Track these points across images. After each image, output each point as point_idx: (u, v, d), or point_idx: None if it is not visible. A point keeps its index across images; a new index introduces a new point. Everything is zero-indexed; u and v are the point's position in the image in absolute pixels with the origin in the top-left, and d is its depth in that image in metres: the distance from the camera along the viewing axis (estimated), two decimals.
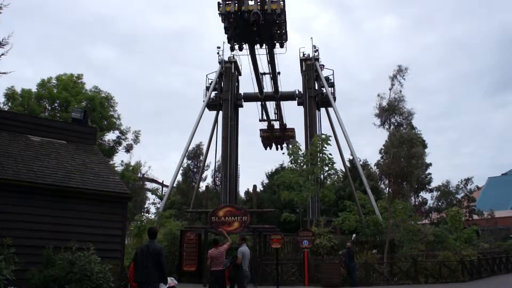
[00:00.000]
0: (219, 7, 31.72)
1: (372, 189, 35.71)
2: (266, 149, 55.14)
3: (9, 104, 28.57)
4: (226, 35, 34.06)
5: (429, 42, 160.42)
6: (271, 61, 38.84)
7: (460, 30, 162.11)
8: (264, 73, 43.43)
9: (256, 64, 39.32)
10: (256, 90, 44.00)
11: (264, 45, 35.76)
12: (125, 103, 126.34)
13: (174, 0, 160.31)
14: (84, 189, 13.51)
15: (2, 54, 12.73)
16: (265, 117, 49.98)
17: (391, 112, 26.27)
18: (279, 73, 44.10)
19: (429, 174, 49.69)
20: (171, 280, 15.43)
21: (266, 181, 62.38)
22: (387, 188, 27.94)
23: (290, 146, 30.54)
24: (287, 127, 51.61)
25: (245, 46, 36.14)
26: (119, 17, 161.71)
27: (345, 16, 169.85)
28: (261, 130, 53.50)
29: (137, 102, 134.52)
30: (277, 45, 36.35)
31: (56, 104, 29.51)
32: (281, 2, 32.43)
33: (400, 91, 26.39)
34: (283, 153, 31.12)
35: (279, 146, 54.48)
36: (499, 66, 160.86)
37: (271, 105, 49.07)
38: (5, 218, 11.94)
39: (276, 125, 52.23)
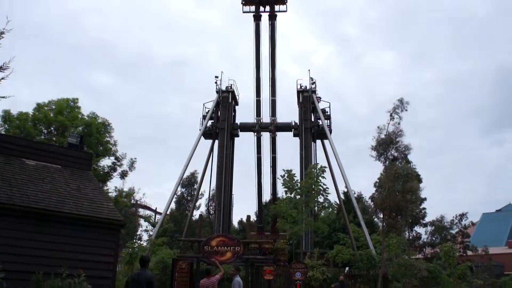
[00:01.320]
0: None
1: (366, 222, 35.60)
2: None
3: (6, 126, 28.58)
4: None
5: (427, 78, 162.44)
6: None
7: (458, 67, 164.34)
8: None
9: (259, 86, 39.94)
10: (253, 119, 44.26)
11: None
12: (122, 129, 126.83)
13: (175, 30, 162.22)
14: (77, 215, 13.43)
15: (2, 78, 12.83)
16: (260, 151, 48.92)
17: (389, 145, 26.37)
18: (275, 103, 44.52)
19: (424, 208, 49.56)
20: None
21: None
22: (382, 222, 27.86)
23: (285, 176, 30.40)
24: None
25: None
26: (119, 43, 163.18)
27: (344, 51, 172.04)
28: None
29: (134, 128, 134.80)
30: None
31: (52, 128, 29.55)
32: None
33: (399, 123, 26.53)
34: (281, 184, 30.98)
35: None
36: (496, 104, 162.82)
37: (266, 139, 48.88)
38: None
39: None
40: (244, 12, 42.40)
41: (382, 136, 26.60)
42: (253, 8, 41.81)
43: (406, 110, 26.44)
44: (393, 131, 26.42)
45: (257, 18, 42.20)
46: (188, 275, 24.51)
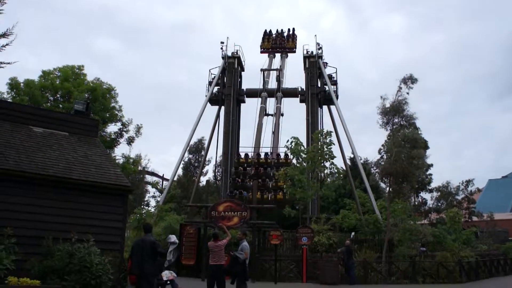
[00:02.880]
0: None
1: (372, 188, 35.74)
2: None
3: (13, 93, 28.58)
4: None
5: (436, 42, 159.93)
6: None
7: (468, 31, 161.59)
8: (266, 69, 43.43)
9: None
10: (259, 85, 44.11)
11: None
12: (127, 95, 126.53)
13: None
14: (85, 181, 13.55)
15: (7, 44, 12.78)
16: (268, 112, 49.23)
17: (394, 114, 26.46)
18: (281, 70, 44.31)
19: (430, 174, 49.67)
20: (170, 274, 15.52)
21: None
22: (387, 188, 27.99)
23: (292, 143, 30.40)
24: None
25: None
26: (123, 8, 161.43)
27: (353, 14, 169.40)
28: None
29: (139, 95, 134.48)
30: None
31: (58, 95, 29.53)
32: None
33: (407, 93, 26.65)
34: (285, 152, 31.04)
35: None
36: (506, 69, 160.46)
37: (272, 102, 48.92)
38: (6, 208, 11.98)
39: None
40: None
41: (387, 105, 26.72)
42: None
43: (412, 88, 26.60)
44: (399, 100, 26.55)
45: None
46: (196, 240, 24.88)
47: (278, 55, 48.97)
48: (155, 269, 10.43)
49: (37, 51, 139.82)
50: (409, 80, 26.62)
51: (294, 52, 48.70)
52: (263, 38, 49.18)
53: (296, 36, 49.25)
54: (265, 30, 49.79)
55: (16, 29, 12.82)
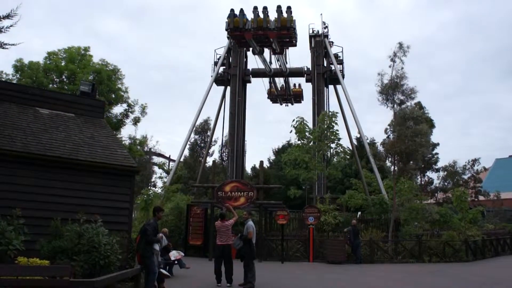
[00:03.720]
0: None
1: (378, 167, 35.74)
2: (273, 103, 53.61)
3: (18, 76, 28.60)
4: None
5: (445, 20, 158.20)
6: None
7: (476, 8, 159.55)
8: (275, 52, 43.23)
9: None
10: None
11: None
12: (133, 76, 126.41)
13: None
14: (92, 162, 13.58)
15: (11, 26, 12.72)
16: (273, 88, 49.42)
17: (394, 89, 26.27)
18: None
19: (436, 154, 49.61)
20: (177, 253, 15.68)
21: (273, 157, 62.51)
22: (393, 167, 27.98)
23: (297, 122, 30.37)
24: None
25: None
26: None
27: None
28: (269, 90, 52.35)
29: (145, 75, 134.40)
30: None
31: (63, 77, 29.52)
32: None
33: (402, 68, 26.37)
34: (290, 131, 31.27)
35: (286, 104, 53.49)
36: None
37: (279, 82, 48.84)
38: (14, 189, 12.04)
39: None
40: None
41: (385, 81, 26.51)
42: None
43: (405, 56, 26.29)
44: (396, 75, 26.31)
45: None
46: (203, 220, 25.05)
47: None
48: (148, 252, 10.70)
49: (42, 32, 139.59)
50: (400, 51, 26.30)
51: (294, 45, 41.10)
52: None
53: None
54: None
55: (21, 10, 12.75)
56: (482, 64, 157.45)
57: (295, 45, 40.31)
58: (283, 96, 50.61)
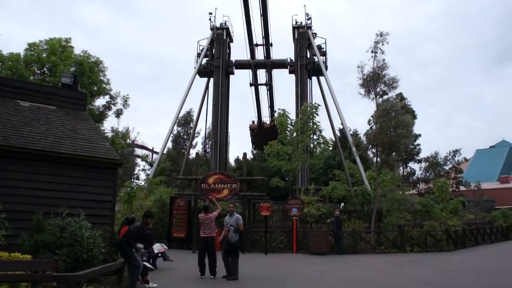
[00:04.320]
0: None
1: (361, 158, 35.99)
2: (255, 149, 55.00)
3: None
4: None
5: (429, 12, 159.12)
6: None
7: (463, 0, 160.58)
8: (257, 44, 43.31)
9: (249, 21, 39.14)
10: (249, 56, 43.87)
11: None
12: (116, 67, 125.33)
13: None
14: (75, 155, 13.50)
15: None
16: (256, 81, 49.26)
17: (375, 81, 26.29)
18: (271, 44, 44.10)
19: (418, 145, 50.02)
20: (161, 246, 15.65)
21: (256, 149, 62.61)
22: (375, 158, 28.19)
23: (279, 114, 30.43)
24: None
25: None
26: None
27: None
28: (251, 127, 52.60)
29: (128, 66, 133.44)
30: None
31: (45, 69, 29.19)
32: None
33: (384, 60, 26.41)
34: (272, 123, 31.30)
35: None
36: (500, 39, 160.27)
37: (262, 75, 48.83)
38: None
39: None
40: None
41: (366, 73, 26.48)
42: None
43: (387, 42, 26.25)
44: (378, 66, 26.32)
45: None
46: (186, 212, 25.01)
47: None
48: (128, 249, 10.82)
49: (22, 21, 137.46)
50: (381, 39, 26.21)
51: None
52: None
53: None
54: None
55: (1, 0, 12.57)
56: (467, 55, 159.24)
57: None
58: (265, 132, 50.83)
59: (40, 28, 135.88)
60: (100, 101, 30.73)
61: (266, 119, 52.29)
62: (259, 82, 48.92)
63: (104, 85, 30.49)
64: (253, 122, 54.94)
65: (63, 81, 17.88)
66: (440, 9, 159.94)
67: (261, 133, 46.47)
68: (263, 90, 49.90)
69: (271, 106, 47.04)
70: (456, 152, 50.83)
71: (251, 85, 50.85)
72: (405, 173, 49.53)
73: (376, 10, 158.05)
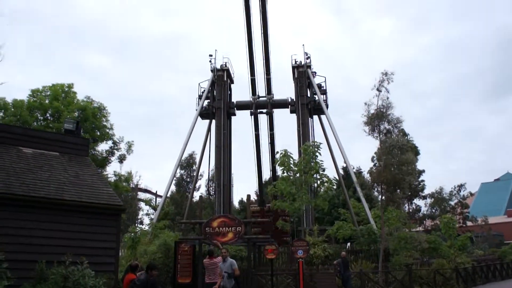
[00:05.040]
0: None
1: (365, 197, 35.73)
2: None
3: (1, 114, 28.43)
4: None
5: (425, 44, 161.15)
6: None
7: (457, 31, 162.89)
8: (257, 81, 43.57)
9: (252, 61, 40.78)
10: (249, 97, 44.24)
11: None
12: (118, 110, 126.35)
13: (166, 6, 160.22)
14: (78, 202, 13.40)
15: None
16: (257, 128, 48.92)
17: (380, 119, 26.35)
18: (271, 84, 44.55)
19: (422, 181, 49.85)
20: None
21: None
22: (380, 196, 27.97)
23: (280, 155, 30.37)
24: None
25: None
26: (113, 23, 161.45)
27: (342, 18, 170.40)
28: (253, 212, 51.15)
29: (130, 109, 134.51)
30: None
31: (48, 115, 29.39)
32: None
33: (388, 98, 26.53)
34: (275, 164, 31.13)
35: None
36: (497, 68, 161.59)
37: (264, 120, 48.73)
38: None
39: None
40: None
41: (372, 111, 26.60)
42: None
43: (392, 81, 26.40)
44: (382, 105, 26.43)
45: None
46: (191, 257, 24.61)
47: None
48: None
49: (25, 68, 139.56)
50: (385, 78, 26.34)
51: None
52: None
53: None
54: None
55: (5, 49, 12.77)
56: (463, 86, 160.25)
57: None
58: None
59: (42, 74, 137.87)
60: (103, 146, 30.83)
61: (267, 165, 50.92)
62: (260, 126, 48.63)
63: (107, 130, 30.63)
64: (252, 200, 52.83)
65: (66, 127, 17.96)
66: (434, 40, 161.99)
67: (263, 216, 44.55)
68: (264, 134, 49.42)
69: (272, 154, 46.52)
70: (461, 186, 50.60)
71: (254, 135, 50.10)
72: (410, 210, 49.17)
73: (371, 43, 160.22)
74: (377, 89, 26.61)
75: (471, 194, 61.38)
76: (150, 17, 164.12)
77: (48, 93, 30.02)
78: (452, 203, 50.03)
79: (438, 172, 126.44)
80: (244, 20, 41.25)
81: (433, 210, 48.70)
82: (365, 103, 26.80)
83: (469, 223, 50.06)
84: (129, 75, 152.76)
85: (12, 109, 28.27)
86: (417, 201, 50.60)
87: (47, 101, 29.37)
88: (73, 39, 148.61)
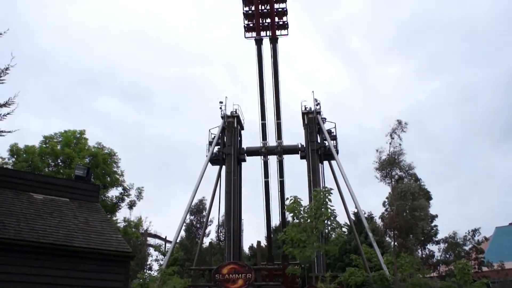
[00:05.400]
0: None
1: (377, 242, 35.22)
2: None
3: (13, 160, 28.74)
4: None
5: (435, 88, 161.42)
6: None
7: (468, 76, 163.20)
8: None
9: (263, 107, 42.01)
10: (260, 143, 44.44)
11: None
12: (128, 154, 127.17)
13: (179, 53, 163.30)
14: (86, 248, 13.35)
15: (8, 114, 12.93)
16: (267, 175, 48.62)
17: (392, 165, 26.33)
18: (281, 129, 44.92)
19: (435, 226, 49.06)
20: None
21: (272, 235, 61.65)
22: (392, 242, 27.56)
23: (290, 201, 30.20)
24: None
25: None
26: (124, 68, 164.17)
27: (351, 64, 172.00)
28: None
29: (141, 154, 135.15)
30: None
31: (59, 161, 29.67)
32: None
33: (400, 144, 26.54)
34: (284, 211, 31.00)
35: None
36: (505, 111, 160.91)
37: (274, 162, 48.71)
38: (6, 278, 11.75)
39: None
40: (246, 37, 43.48)
41: (383, 157, 26.61)
42: (254, 34, 42.52)
43: (404, 131, 26.57)
44: (394, 151, 26.46)
45: (258, 42, 42.77)
46: None
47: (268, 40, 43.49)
48: None
49: (39, 113, 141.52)
50: (398, 127, 26.48)
51: (287, 34, 43.26)
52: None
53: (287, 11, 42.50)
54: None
55: (18, 98, 13.04)
56: (475, 129, 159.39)
57: None
58: None
59: (56, 118, 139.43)
60: (113, 192, 30.94)
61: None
62: (270, 171, 48.47)
63: (118, 176, 30.81)
64: (262, 246, 51.88)
65: (77, 173, 18.10)
66: (444, 85, 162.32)
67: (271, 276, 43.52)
68: (274, 180, 49.15)
69: (282, 201, 46.11)
70: (475, 231, 49.62)
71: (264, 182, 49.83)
72: (423, 256, 48.25)
73: (382, 87, 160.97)
74: (390, 136, 26.73)
75: (486, 239, 60.15)
76: (162, 62, 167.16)
77: (60, 139, 30.41)
78: (467, 248, 49.03)
79: (451, 216, 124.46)
80: (257, 69, 43.30)
81: (447, 255, 47.72)
82: (377, 150, 26.86)
83: (484, 269, 48.83)
84: (140, 120, 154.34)
85: (24, 155, 28.60)
86: (431, 246, 49.65)
87: (58, 147, 29.73)
88: (86, 85, 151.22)
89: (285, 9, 42.36)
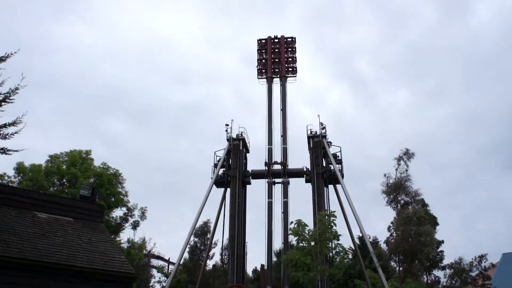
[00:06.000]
0: None
1: (382, 267, 34.87)
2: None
3: (19, 178, 28.83)
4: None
5: (442, 115, 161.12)
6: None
7: (474, 103, 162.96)
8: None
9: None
10: (264, 165, 44.48)
11: None
12: (134, 177, 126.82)
13: (187, 76, 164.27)
14: (89, 269, 13.29)
15: (16, 133, 13.06)
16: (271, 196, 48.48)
17: (398, 190, 26.38)
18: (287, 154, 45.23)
19: (441, 251, 48.54)
20: None
21: (274, 258, 61.13)
22: (398, 267, 27.30)
23: (294, 225, 30.03)
24: None
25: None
26: (133, 90, 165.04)
27: (358, 90, 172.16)
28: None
29: (146, 176, 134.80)
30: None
31: (64, 180, 29.73)
32: None
33: (406, 170, 26.66)
34: (288, 234, 30.85)
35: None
36: None
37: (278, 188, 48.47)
38: None
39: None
40: (258, 78, 48.84)
41: (391, 181, 26.72)
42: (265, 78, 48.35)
43: (410, 161, 26.86)
44: (401, 177, 26.61)
45: (269, 80, 48.03)
46: None
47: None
48: None
49: (46, 133, 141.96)
50: (405, 156, 26.71)
51: (295, 79, 48.93)
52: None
53: (295, 50, 49.27)
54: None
55: (27, 113, 13.18)
56: (482, 157, 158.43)
57: None
58: None
59: (62, 137, 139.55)
60: (117, 212, 30.91)
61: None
62: (274, 194, 48.17)
63: (122, 197, 30.81)
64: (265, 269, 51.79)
65: (82, 193, 18.13)
66: (451, 112, 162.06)
67: None
68: (278, 202, 48.82)
69: (285, 223, 45.74)
70: (482, 257, 49.04)
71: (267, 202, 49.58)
72: (429, 281, 47.67)
73: (389, 114, 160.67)
74: (397, 162, 26.92)
75: (493, 265, 59.37)
76: (168, 84, 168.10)
77: (66, 158, 30.51)
78: (473, 274, 48.42)
79: (458, 242, 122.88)
80: (266, 104, 47.30)
81: (453, 282, 47.11)
82: (385, 175, 27.05)
83: None
84: (146, 142, 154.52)
85: (30, 174, 28.68)
86: (436, 272, 49.05)
87: (64, 167, 29.81)
88: (93, 106, 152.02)
89: (294, 58, 48.45)
